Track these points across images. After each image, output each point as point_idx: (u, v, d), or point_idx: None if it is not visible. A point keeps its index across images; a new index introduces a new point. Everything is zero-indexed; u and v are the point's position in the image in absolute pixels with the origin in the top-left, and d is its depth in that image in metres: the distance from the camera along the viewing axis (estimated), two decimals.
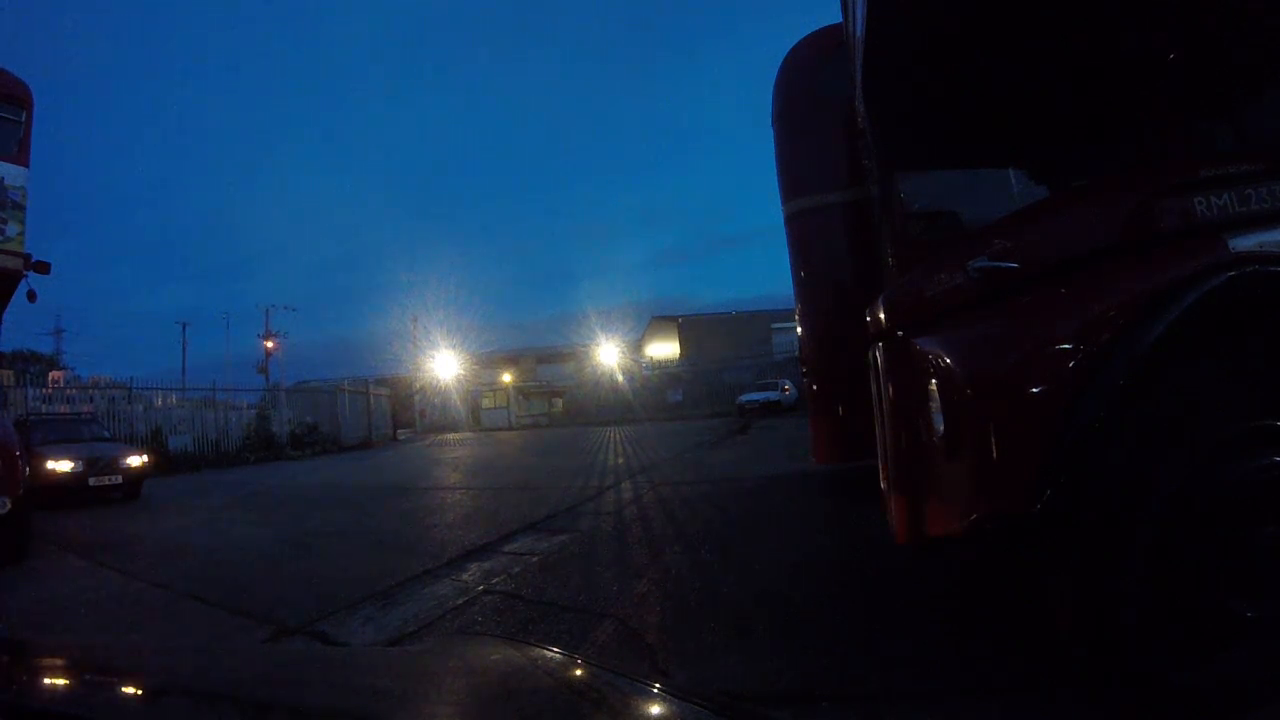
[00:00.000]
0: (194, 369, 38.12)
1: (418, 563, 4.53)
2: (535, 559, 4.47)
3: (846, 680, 2.33)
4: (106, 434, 12.04)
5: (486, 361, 44.59)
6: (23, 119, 6.58)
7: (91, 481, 9.21)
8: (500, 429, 36.18)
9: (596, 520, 5.80)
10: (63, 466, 9.10)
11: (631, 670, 2.11)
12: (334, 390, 23.94)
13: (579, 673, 1.04)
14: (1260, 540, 1.73)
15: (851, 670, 2.40)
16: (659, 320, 46.78)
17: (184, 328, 41.22)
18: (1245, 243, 1.96)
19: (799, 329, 5.84)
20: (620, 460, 11.66)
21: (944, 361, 2.08)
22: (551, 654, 1.10)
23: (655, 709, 0.90)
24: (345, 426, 23.07)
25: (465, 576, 4.17)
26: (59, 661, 1.08)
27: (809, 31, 5.41)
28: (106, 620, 3.69)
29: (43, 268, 6.57)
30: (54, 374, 22.81)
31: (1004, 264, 2.19)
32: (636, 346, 45.10)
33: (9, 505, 5.19)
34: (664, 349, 44.77)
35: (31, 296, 6.62)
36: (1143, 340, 1.81)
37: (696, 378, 36.73)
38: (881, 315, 2.57)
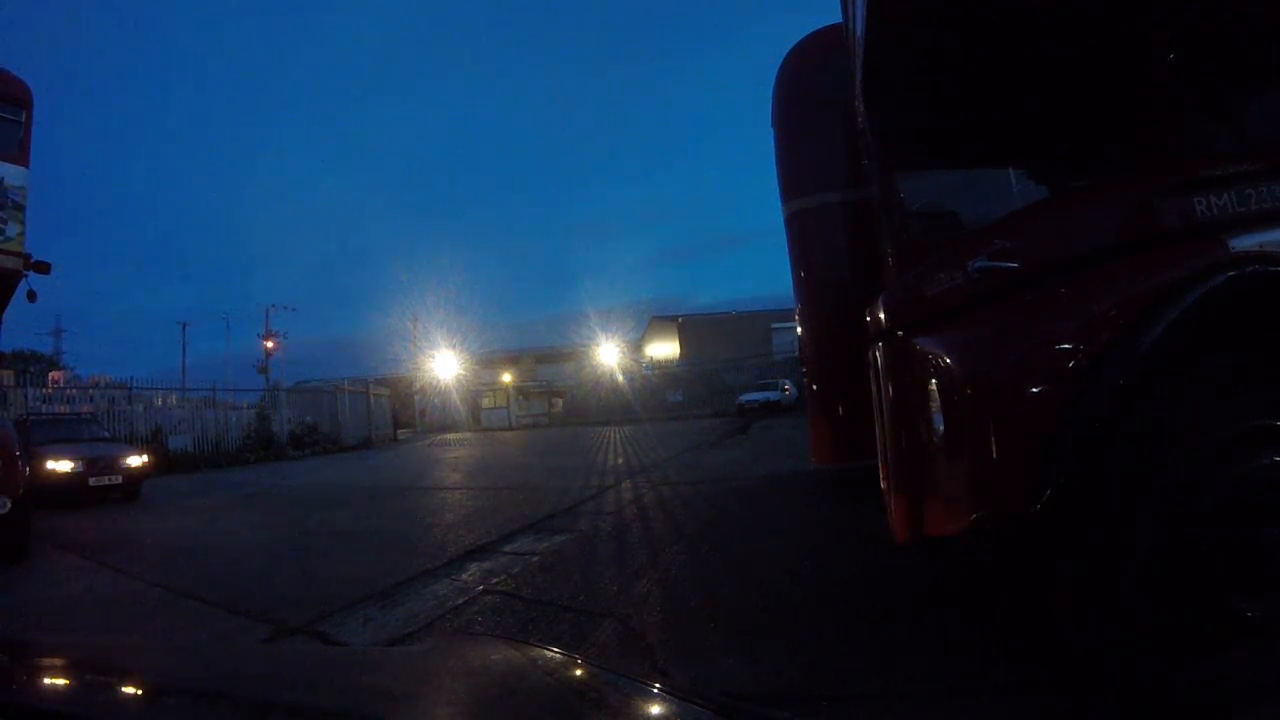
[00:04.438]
0: (194, 369, 38.11)
1: (418, 562, 4.53)
2: (535, 559, 4.47)
3: (846, 680, 2.33)
4: (106, 434, 12.04)
5: (486, 361, 44.61)
6: (23, 119, 6.57)
7: (91, 481, 9.21)
8: (500, 429, 36.19)
9: (596, 520, 5.80)
10: (63, 466, 9.10)
11: (631, 670, 2.11)
12: (334, 390, 23.94)
13: (579, 673, 1.04)
14: (1260, 540, 1.73)
15: (851, 670, 2.40)
16: (659, 320, 46.81)
17: (184, 328, 41.29)
18: (1245, 243, 1.96)
19: (799, 329, 5.83)
20: (620, 460, 11.66)
21: (944, 361, 2.08)
22: (551, 654, 1.10)
23: (655, 709, 0.90)
24: (345, 426, 23.07)
25: (465, 576, 4.17)
26: (59, 661, 1.08)
27: (809, 31, 5.41)
28: (106, 620, 3.69)
29: (43, 268, 6.56)
30: (54, 374, 22.82)
31: (1004, 264, 2.19)
32: (636, 346, 45.13)
33: (9, 505, 5.19)
34: (664, 349, 44.80)
35: (31, 296, 6.62)
36: (1143, 340, 1.81)
37: (696, 378, 36.74)
38: (881, 315, 2.57)
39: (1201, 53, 2.64)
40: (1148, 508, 1.76)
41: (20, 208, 6.42)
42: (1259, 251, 1.93)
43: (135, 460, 9.88)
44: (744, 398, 26.51)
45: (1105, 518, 1.79)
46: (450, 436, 29.16)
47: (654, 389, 37.62)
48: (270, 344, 37.70)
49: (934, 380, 2.10)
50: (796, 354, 6.75)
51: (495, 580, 4.00)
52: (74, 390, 16.99)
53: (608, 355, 41.01)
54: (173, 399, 18.57)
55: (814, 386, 5.48)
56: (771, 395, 26.39)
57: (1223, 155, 2.55)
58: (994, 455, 1.92)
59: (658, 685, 0.96)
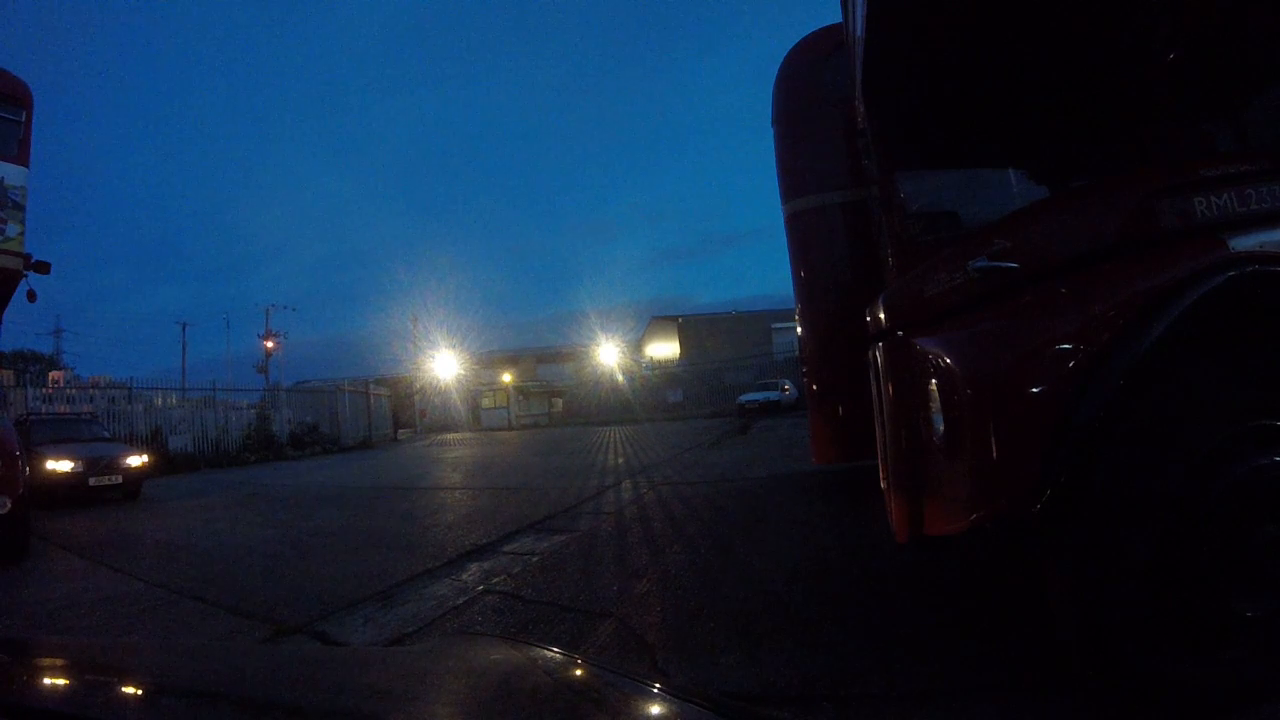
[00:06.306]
0: (194, 369, 38.23)
1: (418, 563, 4.53)
2: (535, 559, 4.47)
3: (846, 680, 2.32)
4: (106, 434, 12.03)
5: (486, 361, 44.62)
6: (23, 119, 6.58)
7: (91, 481, 9.22)
8: (500, 429, 36.19)
9: (596, 520, 5.80)
10: (63, 466, 9.10)
11: (631, 670, 2.11)
12: (334, 390, 23.94)
13: (579, 673, 1.04)
14: (1260, 540, 1.73)
15: (851, 670, 2.40)
16: (659, 320, 46.80)
17: (184, 328, 41.34)
18: (1245, 243, 1.96)
19: (799, 329, 5.84)
20: (620, 460, 11.66)
21: (944, 361, 2.08)
22: (551, 654, 1.10)
23: (655, 709, 0.90)
24: (345, 426, 23.07)
25: (465, 576, 4.17)
26: (59, 661, 1.08)
27: (809, 31, 5.42)
28: (106, 620, 3.69)
29: (43, 268, 6.58)
30: (54, 374, 22.84)
31: (1004, 264, 2.19)
32: (636, 346, 45.12)
33: (9, 505, 5.19)
34: (664, 349, 44.77)
35: (31, 296, 6.64)
36: (1143, 340, 1.81)
37: (696, 378, 36.73)
38: (881, 315, 2.57)
39: (1201, 53, 2.64)
40: (1147, 508, 1.77)
41: (20, 208, 6.43)
42: (1259, 251, 1.93)
43: (135, 460, 9.88)
44: (744, 398, 26.51)
45: (1105, 518, 1.79)
46: (450, 437, 29.16)
47: (654, 389, 37.61)
48: (270, 344, 37.74)
49: (934, 380, 2.10)
50: (796, 354, 6.76)
51: (495, 580, 4.00)
52: (74, 390, 17.00)
53: (608, 355, 40.99)
54: (173, 399, 18.57)
55: (814, 386, 5.49)
56: (771, 395, 26.38)
57: (1223, 155, 2.55)
58: (994, 455, 1.92)
59: (658, 685, 0.96)
